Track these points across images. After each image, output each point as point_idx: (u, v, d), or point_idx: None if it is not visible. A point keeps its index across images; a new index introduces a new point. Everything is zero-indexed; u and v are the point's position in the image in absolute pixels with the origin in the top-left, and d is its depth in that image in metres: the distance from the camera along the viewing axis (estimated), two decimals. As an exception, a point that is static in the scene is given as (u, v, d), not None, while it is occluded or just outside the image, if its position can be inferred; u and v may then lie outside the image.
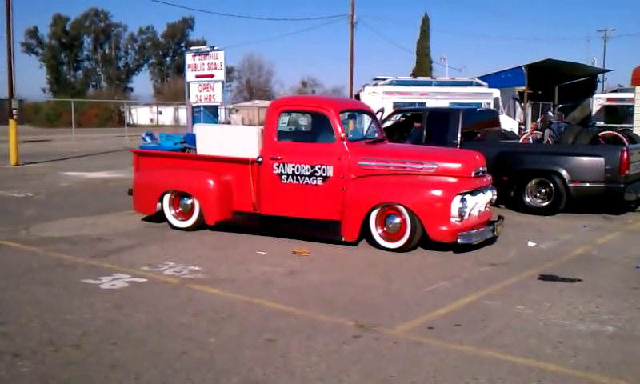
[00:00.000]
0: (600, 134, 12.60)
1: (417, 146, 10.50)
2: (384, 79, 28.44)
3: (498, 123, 13.90)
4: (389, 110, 16.27)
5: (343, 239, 8.13)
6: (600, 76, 49.27)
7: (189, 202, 9.18)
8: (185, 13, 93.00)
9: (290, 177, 8.53)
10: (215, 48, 24.17)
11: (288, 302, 5.91)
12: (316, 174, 8.39)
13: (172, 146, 10.39)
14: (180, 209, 9.30)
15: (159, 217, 9.52)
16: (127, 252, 7.95)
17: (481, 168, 8.39)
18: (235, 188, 8.95)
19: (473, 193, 8.04)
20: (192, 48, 27.13)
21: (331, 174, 8.32)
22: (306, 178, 8.44)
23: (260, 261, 7.54)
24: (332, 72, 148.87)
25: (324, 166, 8.35)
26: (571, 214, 10.88)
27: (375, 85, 27.99)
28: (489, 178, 8.67)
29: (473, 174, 8.17)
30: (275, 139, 8.75)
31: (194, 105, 25.00)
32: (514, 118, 28.95)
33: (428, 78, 33.63)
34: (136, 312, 5.60)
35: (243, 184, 8.87)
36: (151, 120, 65.96)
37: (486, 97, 25.20)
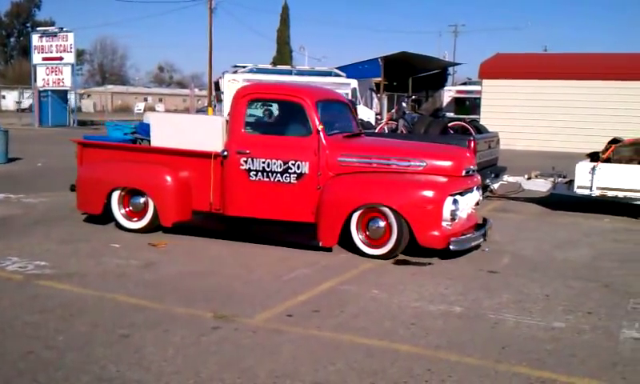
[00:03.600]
0: (449, 124, 13.25)
1: (402, 142, 9.43)
2: (244, 67, 28.31)
3: (355, 113, 14.21)
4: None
5: (320, 244, 7.34)
6: (450, 69, 52.00)
7: (141, 200, 8.16)
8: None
9: (260, 173, 7.63)
10: (64, 29, 22.83)
11: (144, 296, 5.71)
12: (289, 170, 7.53)
13: (121, 136, 9.34)
14: (131, 208, 8.26)
15: (106, 217, 8.45)
16: (-35, 248, 7.32)
17: (471, 166, 7.74)
18: (195, 185, 7.98)
19: (462, 193, 7.41)
20: (39, 29, 25.48)
21: (307, 171, 7.49)
22: (278, 174, 7.56)
23: (113, 254, 7.22)
24: (191, 58, 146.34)
25: (298, 162, 7.50)
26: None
27: (235, 72, 27.78)
28: (478, 177, 8.05)
29: (464, 173, 7.51)
30: (243, 131, 7.85)
31: (41, 89, 23.49)
32: (371, 109, 29.91)
33: (288, 67, 33.91)
34: (-26, 313, 5.17)
35: (205, 181, 7.89)
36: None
37: (344, 87, 25.78)
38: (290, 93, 8.18)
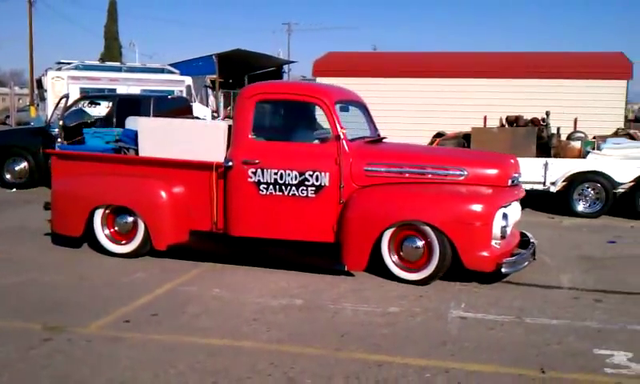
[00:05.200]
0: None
1: (437, 148, 8.15)
2: (69, 63, 26.83)
3: (190, 111, 14.00)
4: (75, 96, 15.38)
5: (346, 268, 6.37)
6: (286, 67, 52.73)
7: (129, 219, 7.05)
8: None
9: (272, 187, 6.59)
10: None
11: (-39, 312, 5.22)
12: (306, 182, 6.52)
13: (102, 145, 7.88)
14: (117, 228, 7.14)
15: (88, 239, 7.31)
16: None
17: (516, 174, 6.78)
18: (194, 201, 6.90)
19: (506, 206, 6.42)
20: None
21: (327, 183, 6.49)
22: (293, 187, 6.54)
23: None
24: (9, 54, 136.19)
25: (317, 173, 6.50)
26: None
27: (59, 69, 26.26)
28: (522, 187, 7.08)
29: (509, 183, 6.60)
30: (250, 137, 6.75)
31: None
32: (207, 106, 29.58)
33: (117, 64, 32.59)
34: None
35: (205, 196, 6.84)
36: None
37: (178, 84, 25.25)
38: (305, 92, 7.12)
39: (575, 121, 15.58)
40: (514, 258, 6.36)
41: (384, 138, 7.64)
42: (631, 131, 12.61)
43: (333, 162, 6.49)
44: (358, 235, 6.30)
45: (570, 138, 12.39)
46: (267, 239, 6.73)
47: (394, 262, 6.30)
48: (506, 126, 12.52)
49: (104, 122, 11.99)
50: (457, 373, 4.24)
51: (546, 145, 11.38)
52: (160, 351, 4.50)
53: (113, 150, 7.65)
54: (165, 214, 6.88)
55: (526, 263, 6.47)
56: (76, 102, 13.10)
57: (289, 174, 6.55)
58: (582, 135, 12.64)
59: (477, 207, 6.10)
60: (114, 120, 11.52)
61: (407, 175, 6.49)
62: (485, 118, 16.48)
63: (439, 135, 12.12)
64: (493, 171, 6.52)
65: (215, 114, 29.39)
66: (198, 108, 22.59)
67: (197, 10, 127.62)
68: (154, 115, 11.53)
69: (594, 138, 12.04)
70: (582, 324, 5.20)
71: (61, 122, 11.15)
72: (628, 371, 4.31)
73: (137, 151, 7.34)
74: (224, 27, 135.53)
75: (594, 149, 10.77)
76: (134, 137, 7.42)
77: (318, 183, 6.51)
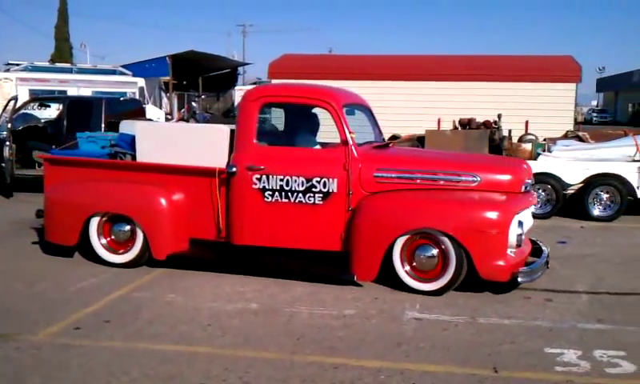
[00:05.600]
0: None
1: (448, 153, 7.98)
2: (18, 64, 26.24)
3: (143, 113, 13.85)
4: (24, 98, 15.03)
5: (355, 278, 6.16)
6: (241, 69, 52.47)
7: (126, 228, 6.78)
8: None
9: (277, 193, 6.37)
10: None
11: None
12: (314, 189, 6.31)
13: (96, 150, 7.60)
14: (113, 237, 6.86)
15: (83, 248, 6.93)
16: None
17: (528, 180, 6.57)
18: (194, 208, 6.65)
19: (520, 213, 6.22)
20: None
21: (335, 189, 6.28)
22: (300, 194, 6.34)
23: None
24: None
25: (325, 179, 6.29)
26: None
27: (8, 70, 25.65)
28: (534, 193, 6.95)
29: (523, 189, 6.42)
30: (255, 142, 6.51)
31: None
32: (161, 108, 29.19)
33: (68, 65, 32.01)
34: None
35: (206, 203, 6.58)
36: None
37: (131, 86, 24.90)
38: (312, 95, 6.81)
39: (526, 123, 15.93)
40: (528, 267, 6.19)
41: (390, 143, 7.30)
42: (580, 133, 12.93)
43: (341, 167, 6.28)
44: (368, 244, 6.07)
45: (521, 140, 12.66)
46: (270, 248, 6.54)
47: (406, 271, 6.08)
48: (459, 128, 12.73)
49: (54, 124, 11.76)
50: (411, 374, 4.27)
51: (497, 147, 11.59)
52: (112, 358, 4.41)
53: (108, 155, 7.38)
54: (165, 223, 6.60)
55: (540, 273, 6.30)
56: (25, 105, 12.82)
57: (295, 180, 6.34)
58: (533, 137, 12.93)
59: (493, 214, 5.90)
60: (65, 123, 11.31)
61: (419, 181, 6.29)
62: (439, 121, 16.71)
63: (393, 138, 12.25)
64: (506, 177, 6.35)
65: (169, 117, 29.08)
66: (151, 110, 22.31)
67: (150, 11, 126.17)
68: (106, 118, 11.35)
69: (545, 140, 12.31)
70: (534, 323, 5.30)
71: (9, 125, 10.88)
72: (578, 369, 4.41)
73: (133, 156, 7.07)
74: (178, 28, 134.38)
75: (544, 151, 10.99)
76: (130, 141, 7.17)
77: (325, 190, 6.30)
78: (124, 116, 12.18)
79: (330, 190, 6.29)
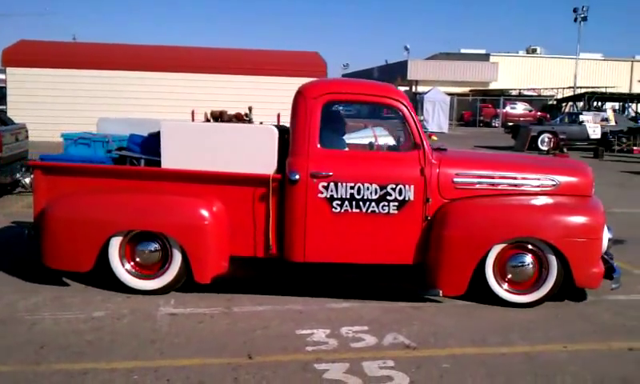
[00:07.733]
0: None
1: (518, 155, 7.09)
2: None
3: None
4: None
5: (441, 293, 5.63)
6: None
7: (153, 247, 5.72)
8: None
9: (348, 203, 5.66)
10: None
11: None
12: (388, 197, 5.68)
13: (95, 154, 6.31)
14: (138, 259, 5.74)
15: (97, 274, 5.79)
16: None
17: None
18: (235, 221, 5.76)
19: None
20: None
21: (411, 197, 5.69)
22: (373, 203, 5.66)
23: None
24: None
25: (400, 185, 5.69)
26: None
27: None
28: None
29: (593, 192, 6.15)
30: (319, 146, 5.73)
31: None
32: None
33: None
34: None
35: (255, 215, 5.75)
36: None
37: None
38: (382, 93, 6.09)
39: (278, 116, 16.51)
40: (618, 272, 5.98)
41: (445, 147, 6.71)
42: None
43: (417, 172, 5.76)
44: (458, 255, 5.62)
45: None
46: (336, 264, 5.94)
47: (499, 283, 5.74)
48: (211, 120, 12.75)
49: None
50: (165, 370, 4.22)
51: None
52: None
53: (112, 160, 6.33)
54: (210, 240, 5.68)
55: (620, 275, 6.06)
56: None
57: (368, 188, 5.72)
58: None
59: (590, 221, 5.70)
60: None
61: (501, 186, 5.91)
62: (192, 112, 16.63)
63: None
64: (579, 180, 6.11)
65: None
66: None
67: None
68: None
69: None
70: (285, 307, 5.51)
71: None
72: (326, 347, 4.70)
73: (147, 161, 6.12)
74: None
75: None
76: (141, 143, 6.28)
77: (401, 197, 5.74)
78: None
79: (407, 198, 5.76)
